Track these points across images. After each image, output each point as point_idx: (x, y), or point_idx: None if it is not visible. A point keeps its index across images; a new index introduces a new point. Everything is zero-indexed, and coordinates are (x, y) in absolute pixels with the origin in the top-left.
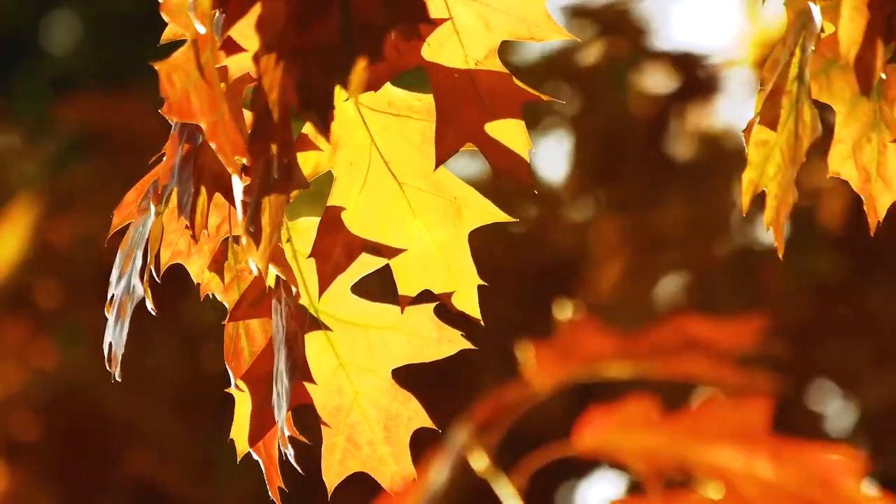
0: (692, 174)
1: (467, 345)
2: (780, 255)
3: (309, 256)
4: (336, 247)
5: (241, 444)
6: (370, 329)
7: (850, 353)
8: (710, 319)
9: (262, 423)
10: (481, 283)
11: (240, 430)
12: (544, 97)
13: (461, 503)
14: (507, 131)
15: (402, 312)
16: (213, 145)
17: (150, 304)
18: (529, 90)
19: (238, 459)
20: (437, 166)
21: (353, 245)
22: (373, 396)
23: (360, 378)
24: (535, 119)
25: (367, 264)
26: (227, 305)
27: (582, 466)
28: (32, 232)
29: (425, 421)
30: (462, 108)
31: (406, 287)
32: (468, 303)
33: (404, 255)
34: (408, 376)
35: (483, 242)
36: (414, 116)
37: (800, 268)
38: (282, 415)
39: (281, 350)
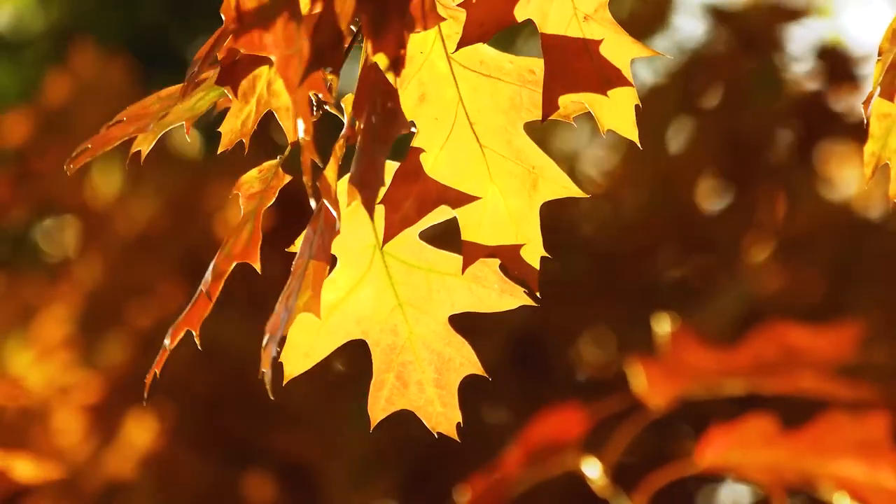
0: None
1: (529, 301)
2: None
3: (379, 203)
4: (408, 198)
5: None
6: (433, 274)
7: None
8: (805, 327)
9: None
10: (545, 255)
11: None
12: (654, 52)
13: None
14: (615, 87)
15: (462, 272)
16: (282, 78)
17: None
18: (639, 45)
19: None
20: (543, 119)
21: (427, 199)
22: (427, 339)
23: (416, 320)
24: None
25: (436, 214)
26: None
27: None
28: None
29: (477, 368)
30: (570, 62)
31: (471, 245)
32: (529, 271)
33: (475, 215)
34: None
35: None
36: (505, 79)
37: None
38: (278, 334)
39: (296, 277)
